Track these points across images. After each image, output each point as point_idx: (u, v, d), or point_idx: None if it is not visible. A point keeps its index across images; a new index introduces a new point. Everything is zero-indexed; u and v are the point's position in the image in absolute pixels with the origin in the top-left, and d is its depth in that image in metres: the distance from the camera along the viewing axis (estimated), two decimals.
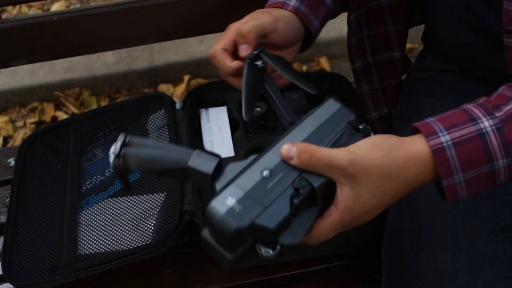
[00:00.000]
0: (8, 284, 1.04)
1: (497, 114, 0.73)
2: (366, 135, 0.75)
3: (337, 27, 2.23)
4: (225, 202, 0.71)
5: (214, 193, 0.72)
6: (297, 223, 0.72)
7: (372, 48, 1.10)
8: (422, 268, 0.87)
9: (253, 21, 0.91)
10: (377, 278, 1.06)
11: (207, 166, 0.74)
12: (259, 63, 0.90)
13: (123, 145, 0.77)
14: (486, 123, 0.72)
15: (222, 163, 0.74)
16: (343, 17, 1.08)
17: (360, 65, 1.11)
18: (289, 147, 0.72)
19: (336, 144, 0.75)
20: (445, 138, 0.72)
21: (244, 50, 0.90)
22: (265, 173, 0.72)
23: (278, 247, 0.71)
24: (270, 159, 0.73)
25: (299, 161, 0.71)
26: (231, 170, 0.74)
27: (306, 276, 1.07)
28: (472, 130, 0.72)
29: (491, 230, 0.87)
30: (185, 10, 1.21)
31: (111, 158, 0.77)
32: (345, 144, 0.74)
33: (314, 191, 0.72)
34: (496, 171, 0.73)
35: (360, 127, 0.76)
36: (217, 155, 0.74)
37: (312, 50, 2.21)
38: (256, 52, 0.90)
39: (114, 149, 0.76)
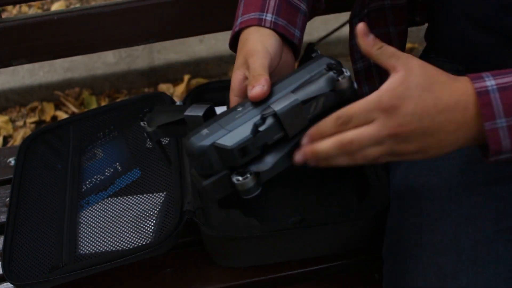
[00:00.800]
0: (8, 283, 1.04)
1: None
2: (339, 72, 0.80)
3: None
4: (197, 131, 0.79)
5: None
6: (270, 155, 0.79)
7: None
8: (423, 268, 0.87)
9: (255, 65, 0.85)
10: (377, 278, 1.06)
11: (199, 111, 0.84)
12: None
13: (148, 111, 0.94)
14: None
15: (214, 109, 0.85)
16: (343, 17, 1.08)
17: (362, 66, 1.11)
18: (367, 28, 0.78)
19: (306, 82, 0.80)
20: (490, 82, 0.73)
21: (257, 90, 0.82)
22: (239, 108, 0.80)
23: (248, 175, 0.77)
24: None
25: (373, 41, 0.77)
26: (218, 115, 0.82)
27: (306, 276, 1.07)
28: None
29: (494, 231, 0.87)
30: (185, 9, 1.21)
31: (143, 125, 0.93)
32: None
33: (277, 117, 0.76)
34: None
35: (335, 66, 0.81)
36: (209, 103, 0.85)
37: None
38: None
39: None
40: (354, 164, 0.77)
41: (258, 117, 0.78)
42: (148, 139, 0.99)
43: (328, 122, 0.76)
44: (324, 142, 0.76)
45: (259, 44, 0.87)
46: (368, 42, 0.76)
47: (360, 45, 0.77)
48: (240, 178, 0.77)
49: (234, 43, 0.94)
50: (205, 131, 0.78)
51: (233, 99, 0.87)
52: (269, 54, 0.86)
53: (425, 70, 0.75)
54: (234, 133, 0.77)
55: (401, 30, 1.08)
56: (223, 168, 0.78)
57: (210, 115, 0.84)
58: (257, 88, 0.80)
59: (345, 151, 0.75)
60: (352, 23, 1.08)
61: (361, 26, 0.76)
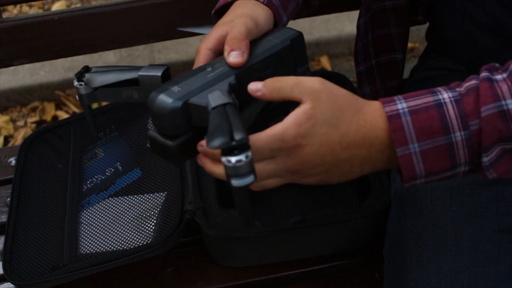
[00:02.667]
0: (9, 283, 1.04)
1: (457, 89, 0.72)
2: None
3: (337, 27, 2.23)
4: (166, 88, 0.74)
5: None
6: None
7: (375, 50, 1.10)
8: (424, 268, 0.87)
9: (242, 26, 0.83)
10: (378, 277, 1.06)
11: (157, 71, 0.83)
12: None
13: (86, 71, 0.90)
14: (445, 95, 0.71)
15: (169, 71, 0.84)
16: (343, 17, 1.08)
17: (364, 68, 1.11)
18: (256, 84, 0.72)
19: None
20: (401, 105, 0.71)
21: (237, 57, 0.79)
22: (208, 68, 0.77)
23: (243, 156, 0.64)
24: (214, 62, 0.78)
25: (266, 88, 0.71)
26: (180, 75, 0.78)
27: (307, 276, 1.07)
28: (430, 100, 0.71)
29: (494, 231, 0.87)
30: (186, 9, 1.21)
31: (78, 85, 0.89)
32: None
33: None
34: (454, 144, 0.70)
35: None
36: (166, 65, 0.84)
37: (313, 49, 2.21)
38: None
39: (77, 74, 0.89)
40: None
41: (232, 78, 0.75)
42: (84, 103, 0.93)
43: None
44: (219, 167, 0.71)
45: (253, 12, 0.85)
46: (263, 92, 0.71)
47: (263, 100, 0.73)
48: (233, 160, 0.64)
49: (221, 12, 0.91)
50: (175, 88, 0.73)
51: (205, 51, 0.82)
52: (258, 25, 0.84)
53: (333, 102, 0.71)
54: (208, 92, 0.72)
55: (402, 30, 1.08)
56: (191, 129, 0.73)
57: (167, 77, 0.82)
58: (238, 54, 0.77)
59: None
60: (359, 24, 1.08)
61: (249, 88, 0.73)
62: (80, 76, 0.89)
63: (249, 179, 0.64)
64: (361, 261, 1.08)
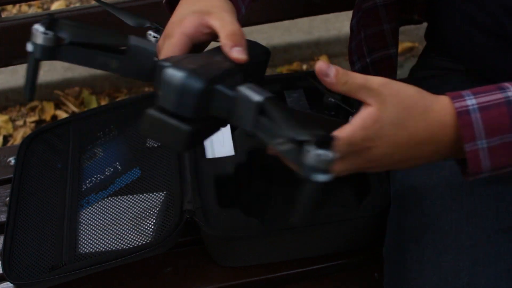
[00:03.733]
0: (8, 283, 1.04)
1: None
2: None
3: (337, 26, 2.23)
4: (187, 67, 0.68)
5: (160, 66, 0.69)
6: None
7: (368, 47, 1.10)
8: (424, 267, 0.87)
9: (233, 19, 0.80)
10: (378, 277, 1.06)
11: (150, 45, 0.76)
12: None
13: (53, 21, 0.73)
14: None
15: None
16: (342, 16, 1.08)
17: (360, 66, 1.11)
18: (327, 65, 0.71)
19: None
20: (471, 101, 0.71)
21: (241, 54, 0.77)
22: (217, 57, 0.74)
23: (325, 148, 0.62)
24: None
25: (336, 79, 0.70)
26: (188, 55, 0.74)
27: (307, 275, 1.07)
28: (500, 97, 0.71)
29: (495, 230, 0.87)
30: None
31: (38, 31, 0.73)
32: None
33: None
34: None
35: None
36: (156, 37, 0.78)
37: (313, 49, 2.21)
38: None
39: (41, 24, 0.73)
40: None
41: (238, 75, 0.72)
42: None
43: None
44: None
45: (222, 4, 0.82)
46: (331, 81, 0.71)
47: (325, 85, 0.72)
48: (329, 154, 0.61)
49: (173, 2, 0.88)
50: (198, 69, 0.68)
51: (181, 36, 0.79)
52: (233, 13, 0.81)
53: (399, 103, 0.71)
54: (227, 84, 0.69)
55: (394, 25, 1.08)
56: (206, 116, 0.69)
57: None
58: (241, 51, 0.75)
59: None
60: (352, 25, 1.08)
61: (318, 66, 0.72)
62: (49, 24, 0.74)
63: (330, 176, 0.63)
64: (361, 261, 1.08)
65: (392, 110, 0.70)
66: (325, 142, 0.61)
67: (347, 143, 0.70)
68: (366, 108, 0.71)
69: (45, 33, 0.74)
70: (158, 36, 0.85)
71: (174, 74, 0.67)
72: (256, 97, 0.67)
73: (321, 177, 0.62)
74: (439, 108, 0.72)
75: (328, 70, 0.71)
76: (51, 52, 0.75)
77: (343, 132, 0.70)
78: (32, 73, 0.79)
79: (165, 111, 0.69)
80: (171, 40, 0.79)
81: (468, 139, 0.71)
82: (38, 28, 0.74)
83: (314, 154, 0.61)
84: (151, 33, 0.86)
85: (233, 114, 0.70)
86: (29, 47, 0.75)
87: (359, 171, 0.74)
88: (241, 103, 0.68)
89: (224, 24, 0.79)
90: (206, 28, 0.80)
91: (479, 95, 0.72)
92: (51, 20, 0.74)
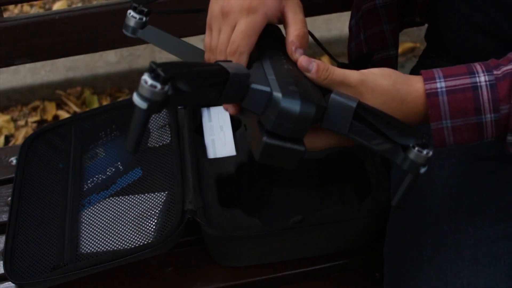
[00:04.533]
0: (10, 282, 1.04)
1: (495, 72, 0.76)
2: None
3: (339, 26, 2.23)
4: (286, 88, 0.71)
5: (270, 94, 0.71)
6: None
7: (369, 49, 1.10)
8: (424, 267, 0.87)
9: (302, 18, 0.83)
10: (378, 277, 1.06)
11: (242, 68, 0.75)
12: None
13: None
14: (482, 78, 0.76)
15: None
16: (344, 16, 1.08)
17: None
18: (308, 60, 0.76)
19: None
20: (440, 84, 0.76)
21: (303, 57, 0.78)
22: (285, 66, 0.77)
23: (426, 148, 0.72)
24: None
25: (316, 75, 0.75)
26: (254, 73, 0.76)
27: (307, 275, 1.07)
28: (467, 82, 0.76)
29: (494, 230, 0.87)
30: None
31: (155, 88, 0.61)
32: None
33: None
34: (483, 124, 0.76)
35: None
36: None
37: (314, 49, 2.21)
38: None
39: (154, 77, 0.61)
40: None
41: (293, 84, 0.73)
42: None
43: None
44: None
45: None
46: (312, 77, 0.76)
47: (310, 77, 0.76)
48: (424, 151, 0.71)
49: None
50: (293, 87, 0.71)
51: (264, 19, 0.80)
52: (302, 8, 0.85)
53: (376, 99, 0.76)
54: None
55: (395, 26, 1.08)
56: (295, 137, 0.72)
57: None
58: (304, 55, 0.78)
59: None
60: (350, 25, 1.08)
61: (300, 62, 0.77)
62: (164, 80, 0.62)
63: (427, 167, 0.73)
64: (361, 261, 1.08)
65: (370, 103, 0.75)
66: (426, 144, 0.72)
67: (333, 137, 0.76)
68: None
69: (162, 89, 0.62)
70: (140, 16, 0.88)
71: (292, 104, 0.70)
72: (350, 103, 0.73)
73: (423, 169, 0.72)
74: (413, 98, 0.77)
75: (310, 66, 0.76)
76: (164, 103, 0.65)
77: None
78: (141, 127, 0.68)
79: (278, 137, 0.72)
80: (254, 18, 0.80)
81: (434, 118, 0.76)
82: (152, 83, 0.62)
83: (419, 153, 0.71)
84: (131, 12, 0.88)
85: (324, 123, 0.74)
86: (140, 102, 0.64)
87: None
88: (334, 111, 0.73)
89: (296, 20, 0.82)
90: (280, 13, 0.83)
91: (449, 78, 0.77)
92: (166, 77, 0.62)
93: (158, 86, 0.62)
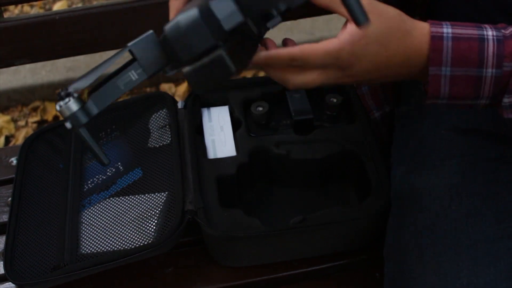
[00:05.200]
0: (10, 283, 1.04)
1: (502, 30, 0.76)
2: None
3: (339, 27, 2.23)
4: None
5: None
6: None
7: None
8: (424, 267, 0.87)
9: None
10: (379, 277, 1.06)
11: (144, 34, 0.78)
12: None
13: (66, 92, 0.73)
14: (490, 32, 0.75)
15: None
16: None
17: None
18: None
19: None
20: (447, 30, 0.75)
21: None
22: None
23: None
24: None
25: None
26: None
27: (307, 275, 1.07)
28: (475, 33, 0.75)
29: (494, 231, 0.87)
30: None
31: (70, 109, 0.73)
32: None
33: None
34: (482, 78, 0.75)
35: None
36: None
37: None
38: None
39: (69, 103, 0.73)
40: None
41: None
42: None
43: (280, 60, 0.77)
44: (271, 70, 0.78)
45: None
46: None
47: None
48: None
49: None
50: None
51: None
52: None
53: (382, 23, 0.75)
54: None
55: None
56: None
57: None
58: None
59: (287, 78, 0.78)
60: None
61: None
62: (65, 95, 0.73)
63: None
64: (361, 261, 1.08)
65: (377, 27, 0.74)
66: None
67: (334, 57, 0.75)
68: (352, 24, 0.74)
69: (67, 102, 0.74)
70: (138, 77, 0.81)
71: (174, 23, 0.71)
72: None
73: None
74: (418, 34, 0.76)
75: None
76: (87, 110, 0.76)
77: (331, 45, 0.74)
78: (89, 143, 0.79)
79: (193, 61, 0.71)
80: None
81: (434, 63, 0.75)
82: (62, 104, 0.74)
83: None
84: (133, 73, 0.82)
85: None
86: (67, 124, 0.75)
87: (334, 84, 0.79)
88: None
89: None
90: None
91: (457, 27, 0.76)
92: (65, 94, 0.74)
93: (61, 103, 0.73)
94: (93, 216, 1.08)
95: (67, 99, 0.72)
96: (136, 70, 0.78)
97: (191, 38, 0.70)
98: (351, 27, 0.74)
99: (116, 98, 0.80)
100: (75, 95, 0.72)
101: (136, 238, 1.02)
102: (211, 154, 1.11)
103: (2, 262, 1.08)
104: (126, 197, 1.09)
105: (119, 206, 1.08)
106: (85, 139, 0.76)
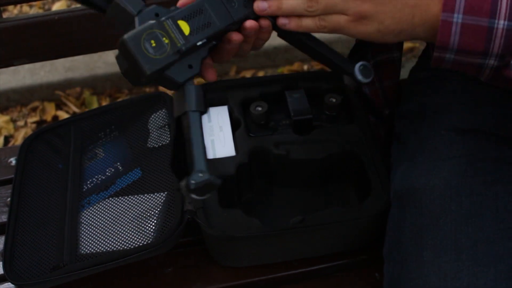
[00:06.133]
0: (9, 283, 1.04)
1: None
2: None
3: None
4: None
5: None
6: None
7: (372, 50, 1.10)
8: (424, 268, 0.87)
9: None
10: (378, 277, 1.06)
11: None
12: None
13: None
14: None
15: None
16: None
17: None
18: None
19: None
20: None
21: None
22: None
23: None
24: None
25: None
26: None
27: (307, 275, 1.07)
28: None
29: (494, 231, 0.87)
30: None
31: None
32: None
33: None
34: (494, 30, 0.74)
35: None
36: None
37: None
38: None
39: None
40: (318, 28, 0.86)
41: None
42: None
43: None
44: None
45: None
46: None
47: None
48: None
49: None
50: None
51: None
52: None
53: None
54: None
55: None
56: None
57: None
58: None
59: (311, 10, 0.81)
60: None
61: None
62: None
63: None
64: (361, 261, 1.08)
65: None
66: None
67: None
68: None
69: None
70: None
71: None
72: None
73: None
74: None
75: None
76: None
77: None
78: None
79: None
80: None
81: (447, 8, 0.74)
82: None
83: None
84: None
85: None
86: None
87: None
88: None
89: None
90: None
91: None
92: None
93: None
94: (93, 216, 1.08)
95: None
96: None
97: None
98: None
99: None
100: None
101: (135, 238, 1.02)
102: (211, 154, 1.11)
103: (1, 263, 1.07)
104: (126, 197, 1.09)
105: (118, 206, 1.08)
106: None
